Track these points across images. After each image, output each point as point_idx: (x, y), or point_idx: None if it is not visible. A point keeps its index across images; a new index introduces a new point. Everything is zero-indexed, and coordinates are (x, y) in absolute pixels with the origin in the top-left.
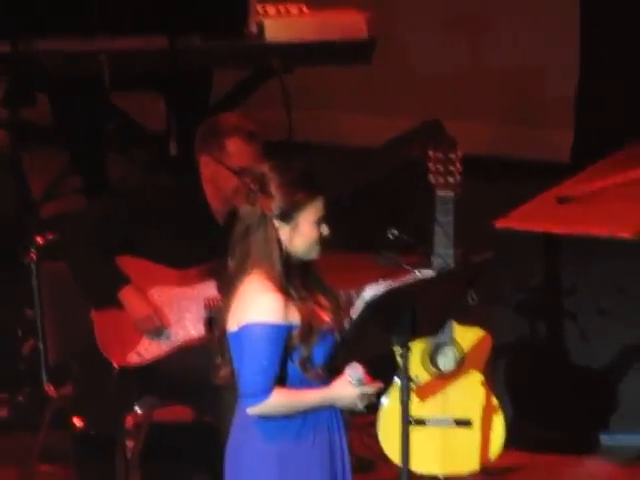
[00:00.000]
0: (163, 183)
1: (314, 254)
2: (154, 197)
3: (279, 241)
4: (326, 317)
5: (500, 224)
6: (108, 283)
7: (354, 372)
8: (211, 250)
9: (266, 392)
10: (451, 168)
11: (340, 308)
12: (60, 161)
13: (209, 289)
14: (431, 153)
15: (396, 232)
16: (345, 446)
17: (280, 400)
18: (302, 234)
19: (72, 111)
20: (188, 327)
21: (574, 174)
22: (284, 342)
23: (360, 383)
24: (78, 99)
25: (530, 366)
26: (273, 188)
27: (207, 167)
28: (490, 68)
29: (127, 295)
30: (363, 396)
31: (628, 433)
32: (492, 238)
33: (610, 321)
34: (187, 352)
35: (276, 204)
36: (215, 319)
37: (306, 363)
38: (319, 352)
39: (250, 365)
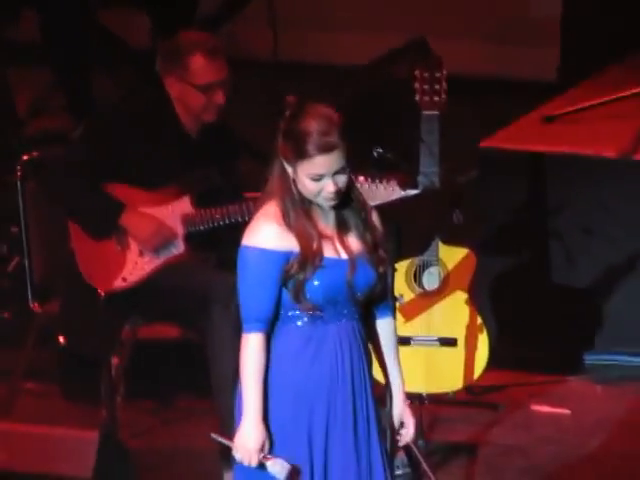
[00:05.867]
0: (135, 102)
1: (323, 204)
2: (129, 119)
3: (291, 179)
4: (339, 251)
5: (485, 143)
6: (108, 214)
7: (278, 467)
8: (187, 164)
9: (253, 322)
10: (436, 87)
11: (376, 249)
12: (45, 78)
13: (184, 205)
14: (417, 72)
15: (381, 150)
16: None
17: (252, 357)
18: (301, 183)
19: (57, 28)
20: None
21: (560, 93)
22: (279, 270)
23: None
24: (63, 15)
25: (515, 286)
26: (284, 131)
27: (173, 87)
28: None
29: (129, 218)
30: (247, 459)
31: (612, 353)
32: (477, 157)
33: (595, 240)
34: (169, 270)
35: (281, 147)
36: None
37: (299, 292)
38: (318, 285)
39: (243, 287)
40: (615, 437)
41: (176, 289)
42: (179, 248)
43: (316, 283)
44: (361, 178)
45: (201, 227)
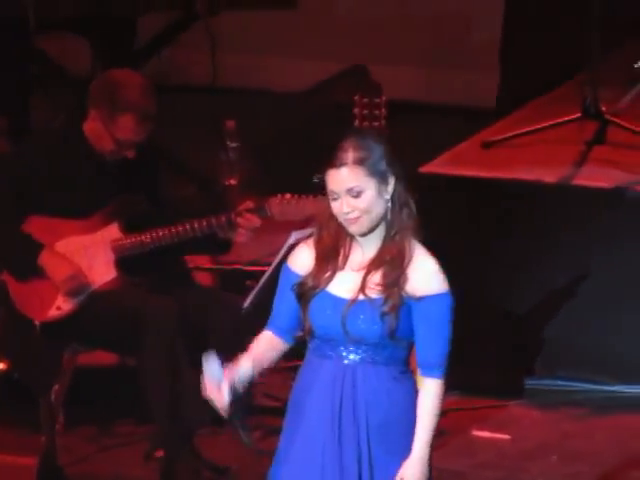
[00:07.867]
0: (52, 133)
1: (349, 229)
2: (45, 152)
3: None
4: (350, 290)
5: (425, 169)
6: (25, 254)
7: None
8: (112, 191)
9: (268, 324)
10: (376, 112)
11: (392, 290)
12: None
13: (112, 231)
14: (356, 97)
15: (321, 176)
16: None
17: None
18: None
19: None
20: (100, 273)
21: (499, 119)
22: (290, 286)
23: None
24: (2, 41)
25: (456, 311)
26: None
27: (93, 121)
28: (416, 13)
29: (47, 259)
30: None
31: (551, 378)
32: (416, 182)
33: (534, 266)
34: (103, 297)
35: None
36: None
37: (304, 309)
38: (317, 313)
39: None
40: (554, 462)
41: (109, 316)
42: (111, 275)
43: (312, 312)
44: (287, 195)
45: (131, 252)
